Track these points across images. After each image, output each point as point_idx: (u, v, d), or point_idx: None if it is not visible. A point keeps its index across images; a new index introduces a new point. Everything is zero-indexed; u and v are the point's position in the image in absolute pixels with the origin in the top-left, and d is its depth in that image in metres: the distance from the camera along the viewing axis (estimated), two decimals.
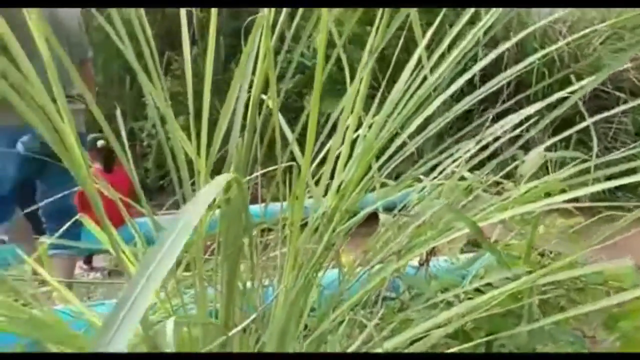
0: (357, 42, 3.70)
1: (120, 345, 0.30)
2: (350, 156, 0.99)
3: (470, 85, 1.04)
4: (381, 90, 0.99)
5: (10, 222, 2.43)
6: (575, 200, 0.81)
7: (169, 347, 0.58)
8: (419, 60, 0.96)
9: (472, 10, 0.94)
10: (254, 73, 0.88)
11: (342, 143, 0.96)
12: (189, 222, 0.37)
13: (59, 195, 1.34)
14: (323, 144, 1.05)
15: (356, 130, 1.02)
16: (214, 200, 0.80)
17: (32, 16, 0.71)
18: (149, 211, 0.90)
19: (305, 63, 4.16)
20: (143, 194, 0.93)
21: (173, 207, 1.54)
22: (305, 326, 0.97)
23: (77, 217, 1.10)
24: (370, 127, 0.98)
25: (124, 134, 1.04)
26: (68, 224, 1.09)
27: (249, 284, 0.98)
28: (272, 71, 0.75)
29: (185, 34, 0.90)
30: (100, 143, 3.26)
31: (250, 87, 0.88)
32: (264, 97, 0.96)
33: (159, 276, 0.32)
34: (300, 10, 0.95)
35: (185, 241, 0.35)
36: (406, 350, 0.84)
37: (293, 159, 1.02)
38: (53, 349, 0.96)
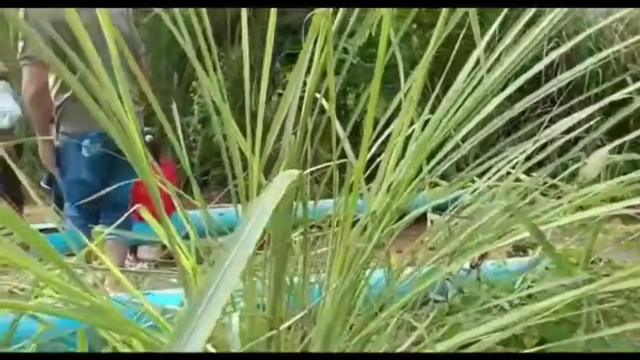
0: (404, 40, 3.66)
1: (197, 344, 0.29)
2: (402, 156, 0.98)
3: (521, 87, 1.01)
4: (436, 90, 0.98)
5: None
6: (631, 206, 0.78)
7: (234, 341, 0.59)
8: (477, 62, 0.94)
9: (534, 10, 0.91)
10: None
11: (396, 142, 0.96)
12: (262, 215, 0.37)
13: (114, 187, 1.39)
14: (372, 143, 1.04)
15: (409, 128, 1.01)
16: None
17: (104, 17, 0.74)
18: (203, 204, 0.92)
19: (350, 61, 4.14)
20: (186, 189, 0.95)
21: (221, 201, 1.57)
22: (351, 326, 0.96)
23: (133, 208, 1.13)
24: (423, 127, 0.97)
25: (178, 126, 1.06)
26: (125, 215, 1.12)
27: (296, 279, 0.98)
28: (330, 68, 0.75)
29: (244, 35, 0.91)
30: (148, 138, 3.34)
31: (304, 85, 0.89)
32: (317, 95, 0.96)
33: (235, 270, 0.32)
34: (356, 11, 0.95)
35: (259, 234, 0.35)
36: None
37: (341, 156, 1.02)
38: (105, 335, 0.99)
